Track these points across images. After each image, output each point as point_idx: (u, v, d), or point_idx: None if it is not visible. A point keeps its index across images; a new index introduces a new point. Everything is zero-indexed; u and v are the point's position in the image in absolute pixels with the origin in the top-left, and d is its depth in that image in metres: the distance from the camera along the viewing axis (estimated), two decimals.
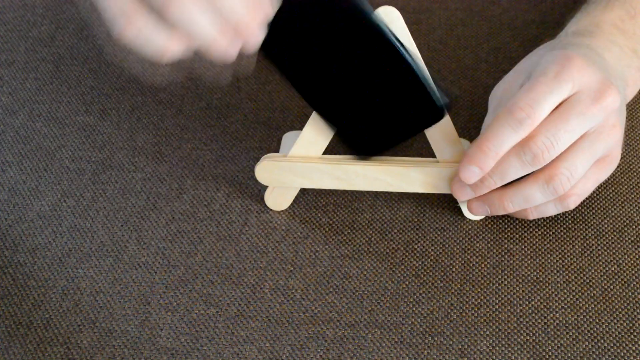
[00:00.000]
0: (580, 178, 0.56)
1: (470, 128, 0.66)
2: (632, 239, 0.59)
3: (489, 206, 0.57)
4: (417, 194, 0.62)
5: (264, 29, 0.51)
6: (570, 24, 0.63)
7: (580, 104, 0.54)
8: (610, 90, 0.54)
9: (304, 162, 0.58)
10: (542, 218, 0.60)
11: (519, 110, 0.53)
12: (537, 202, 0.56)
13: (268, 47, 0.53)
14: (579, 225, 0.60)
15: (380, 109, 0.56)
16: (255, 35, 0.51)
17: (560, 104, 0.54)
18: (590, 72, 0.55)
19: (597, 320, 0.55)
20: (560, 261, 0.58)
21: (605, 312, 0.55)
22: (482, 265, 0.58)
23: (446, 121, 0.57)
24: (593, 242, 0.59)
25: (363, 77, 0.54)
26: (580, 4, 0.65)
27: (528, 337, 0.54)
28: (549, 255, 0.58)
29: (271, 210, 0.61)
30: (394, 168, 0.58)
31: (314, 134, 0.58)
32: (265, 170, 0.59)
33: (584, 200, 0.61)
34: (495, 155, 0.54)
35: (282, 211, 0.61)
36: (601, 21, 0.61)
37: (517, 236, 0.59)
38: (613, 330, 0.54)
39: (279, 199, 0.61)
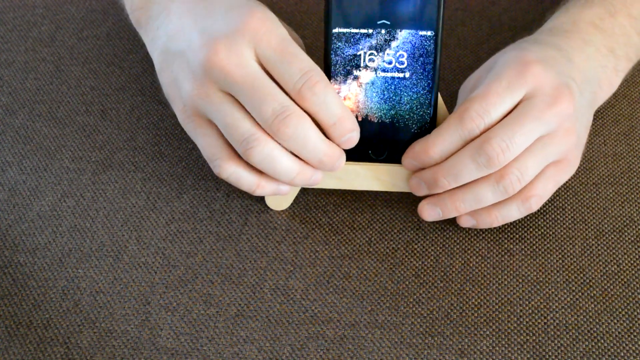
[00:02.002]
0: (541, 179, 0.56)
1: None
2: (632, 239, 0.59)
3: (440, 208, 0.57)
4: None
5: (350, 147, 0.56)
6: (549, 20, 0.63)
7: (534, 108, 0.54)
8: (564, 95, 0.54)
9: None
10: (542, 217, 0.60)
11: (469, 120, 0.54)
12: (488, 202, 0.56)
13: None
14: (579, 225, 0.60)
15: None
16: (340, 163, 0.56)
17: (515, 106, 0.54)
18: (546, 77, 0.55)
19: (597, 320, 0.55)
20: (560, 261, 0.58)
21: (605, 312, 0.55)
22: (482, 265, 0.58)
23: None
24: (593, 242, 0.59)
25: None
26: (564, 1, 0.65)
27: (528, 337, 0.54)
28: (549, 255, 0.58)
29: (271, 210, 0.61)
30: (393, 168, 0.58)
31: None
32: None
33: (584, 201, 0.61)
34: (439, 159, 0.55)
35: (282, 211, 0.61)
36: (579, 19, 0.61)
37: (517, 236, 0.59)
38: (613, 330, 0.54)
39: (279, 199, 0.61)
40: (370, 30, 0.54)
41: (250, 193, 0.57)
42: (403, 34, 0.54)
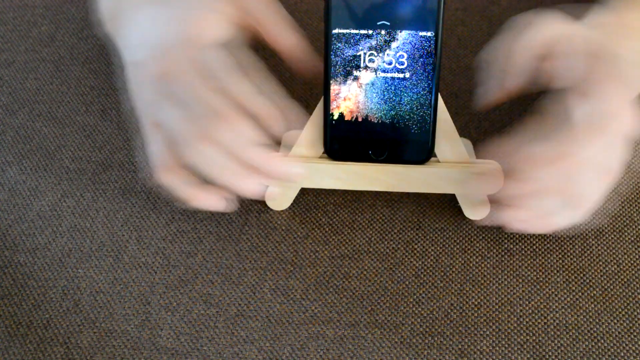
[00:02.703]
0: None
1: (470, 128, 0.66)
2: (632, 239, 0.59)
3: (504, 219, 0.57)
4: (417, 194, 0.62)
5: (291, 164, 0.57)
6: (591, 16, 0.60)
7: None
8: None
9: (304, 161, 0.58)
10: None
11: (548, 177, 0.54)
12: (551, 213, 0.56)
13: None
14: (579, 225, 0.60)
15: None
16: (281, 171, 0.56)
17: None
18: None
19: (597, 320, 0.55)
20: (560, 261, 0.58)
21: (605, 312, 0.55)
22: (482, 265, 0.58)
23: (446, 121, 0.57)
24: (593, 242, 0.59)
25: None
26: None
27: (528, 337, 0.54)
28: (549, 255, 0.58)
29: (271, 210, 0.61)
30: (394, 168, 0.58)
31: (314, 134, 0.58)
32: None
33: None
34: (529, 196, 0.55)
35: (282, 211, 0.61)
36: (627, 19, 0.59)
37: (517, 236, 0.59)
38: (613, 330, 0.54)
39: (279, 199, 0.61)
40: (370, 31, 0.54)
41: (186, 204, 0.57)
42: (403, 35, 0.54)
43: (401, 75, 0.55)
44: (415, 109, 0.56)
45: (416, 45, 0.55)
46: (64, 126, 0.68)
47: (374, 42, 0.55)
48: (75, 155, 0.66)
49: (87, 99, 0.70)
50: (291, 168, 0.56)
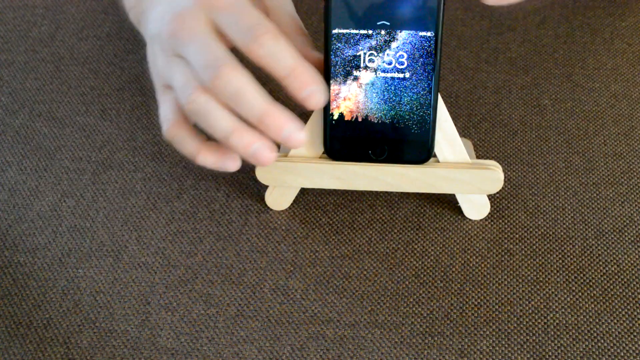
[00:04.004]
0: None
1: (470, 128, 0.66)
2: (632, 239, 0.59)
3: None
4: (417, 194, 0.62)
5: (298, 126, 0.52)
6: None
7: None
8: None
9: (304, 161, 0.58)
10: (542, 217, 0.60)
11: None
12: None
13: None
14: (579, 225, 0.60)
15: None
16: (291, 131, 0.51)
17: None
18: None
19: (597, 320, 0.55)
20: (560, 261, 0.58)
21: (605, 312, 0.55)
22: (482, 265, 0.58)
23: (446, 121, 0.57)
24: (593, 242, 0.59)
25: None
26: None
27: (528, 337, 0.54)
28: (549, 255, 0.58)
29: (271, 210, 0.61)
30: (394, 168, 0.58)
31: (314, 134, 0.58)
32: (266, 169, 0.59)
33: (584, 201, 0.61)
34: None
35: (282, 211, 0.61)
36: None
37: (517, 236, 0.59)
38: (613, 330, 0.54)
39: (279, 199, 0.61)
40: (370, 31, 0.54)
41: (193, 160, 0.55)
42: (403, 35, 0.54)
43: (401, 75, 0.55)
44: (415, 109, 0.56)
45: (416, 45, 0.55)
46: (64, 126, 0.68)
47: (374, 42, 0.55)
48: (75, 155, 0.66)
49: (87, 99, 0.70)
50: (296, 131, 0.51)
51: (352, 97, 0.56)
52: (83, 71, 0.72)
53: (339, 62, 0.55)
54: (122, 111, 0.69)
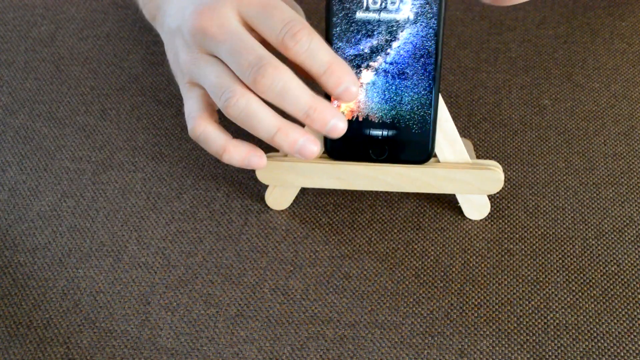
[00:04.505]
0: None
1: (470, 128, 0.66)
2: (632, 239, 0.59)
3: None
4: (417, 194, 0.62)
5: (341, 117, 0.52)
6: None
7: None
8: None
9: (304, 161, 0.58)
10: (542, 217, 0.60)
11: None
12: None
13: None
14: (579, 225, 0.60)
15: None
16: (337, 123, 0.52)
17: None
18: None
19: (597, 320, 0.55)
20: (560, 261, 0.58)
21: (605, 312, 0.55)
22: (482, 265, 0.58)
23: (446, 121, 0.57)
24: (593, 242, 0.59)
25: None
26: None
27: (528, 337, 0.54)
28: (549, 255, 0.58)
29: (271, 210, 0.61)
30: (394, 168, 0.58)
31: (315, 134, 0.58)
32: (266, 169, 0.59)
33: (584, 201, 0.61)
34: None
35: (282, 211, 0.61)
36: None
37: (517, 236, 0.59)
38: (613, 330, 0.54)
39: (279, 199, 0.61)
40: (371, 31, 0.54)
41: (218, 158, 0.55)
42: (404, 34, 0.54)
43: (402, 75, 0.55)
44: (415, 109, 0.56)
45: (417, 45, 0.55)
46: (64, 126, 0.68)
47: (374, 42, 0.55)
48: (75, 156, 0.66)
49: (87, 99, 0.70)
50: (340, 121, 0.52)
51: None
52: (83, 71, 0.72)
53: None
54: (122, 111, 0.69)
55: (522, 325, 0.55)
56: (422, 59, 0.55)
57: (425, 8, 0.54)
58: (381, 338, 0.54)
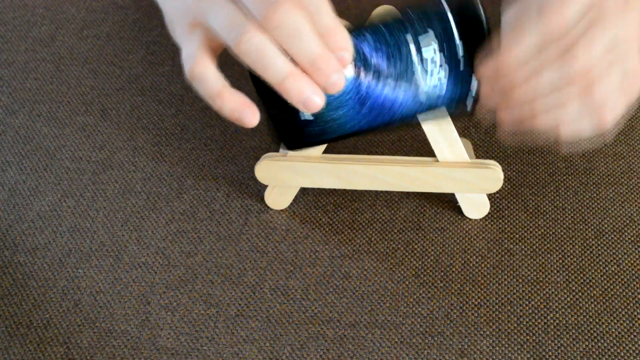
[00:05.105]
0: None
1: (470, 128, 0.66)
2: (632, 239, 0.59)
3: (518, 112, 0.53)
4: (417, 194, 0.62)
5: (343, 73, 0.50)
6: None
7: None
8: None
9: (304, 161, 0.58)
10: (542, 217, 0.60)
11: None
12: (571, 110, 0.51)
13: None
14: (579, 225, 0.60)
15: None
16: (337, 80, 0.49)
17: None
18: None
19: (597, 320, 0.55)
20: (560, 261, 0.58)
21: (605, 312, 0.55)
22: (482, 265, 0.58)
23: (446, 121, 0.57)
24: (593, 242, 0.59)
25: None
26: None
27: (528, 337, 0.54)
28: (549, 255, 0.58)
29: (271, 210, 0.62)
30: (394, 168, 0.58)
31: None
32: (266, 169, 0.59)
33: (584, 201, 0.61)
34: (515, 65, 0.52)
35: (282, 211, 0.61)
36: None
37: (517, 236, 0.59)
38: (613, 330, 0.54)
39: (279, 198, 0.61)
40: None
41: (211, 103, 0.52)
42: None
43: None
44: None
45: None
46: (64, 126, 0.68)
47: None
48: (75, 155, 0.66)
49: (87, 99, 0.70)
50: (342, 77, 0.50)
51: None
52: (83, 71, 0.72)
53: None
54: (122, 111, 0.69)
55: (522, 325, 0.55)
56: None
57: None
58: (381, 338, 0.54)
